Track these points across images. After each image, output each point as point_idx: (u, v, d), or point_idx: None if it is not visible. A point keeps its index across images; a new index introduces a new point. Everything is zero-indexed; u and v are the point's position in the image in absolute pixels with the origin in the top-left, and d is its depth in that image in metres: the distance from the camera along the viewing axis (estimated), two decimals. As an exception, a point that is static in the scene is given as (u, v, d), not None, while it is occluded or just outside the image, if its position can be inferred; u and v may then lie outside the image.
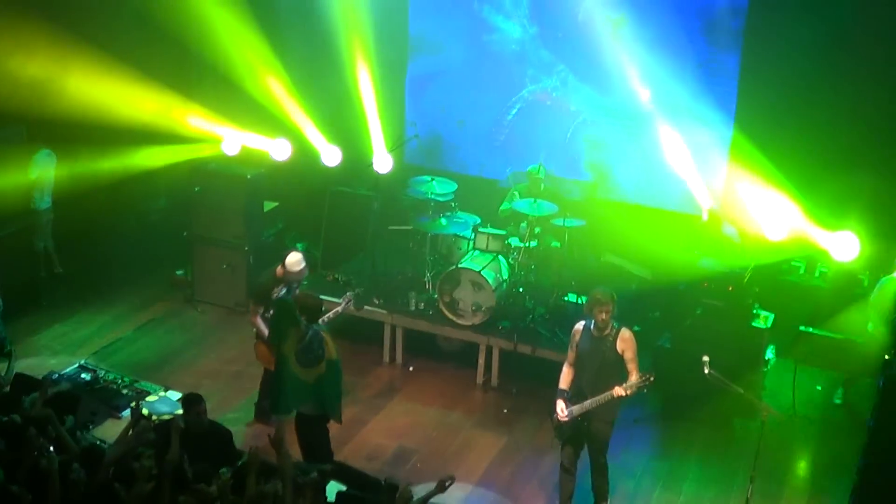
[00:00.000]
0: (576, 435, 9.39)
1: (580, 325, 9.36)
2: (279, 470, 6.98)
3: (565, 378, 9.41)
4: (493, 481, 10.37)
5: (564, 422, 9.27)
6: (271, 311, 10.30)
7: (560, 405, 9.26)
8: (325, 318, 10.34)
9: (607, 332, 9.09)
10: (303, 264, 10.53)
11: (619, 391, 8.93)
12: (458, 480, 8.11)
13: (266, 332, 10.34)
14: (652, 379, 8.88)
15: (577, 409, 9.17)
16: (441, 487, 7.25)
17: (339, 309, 10.76)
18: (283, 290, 10.50)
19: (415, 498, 7.25)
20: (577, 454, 9.51)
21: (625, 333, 9.13)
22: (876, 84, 12.02)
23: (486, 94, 14.49)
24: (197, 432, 8.47)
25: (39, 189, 13.05)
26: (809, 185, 12.24)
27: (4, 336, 11.94)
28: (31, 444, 7.23)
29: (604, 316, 9.02)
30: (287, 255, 10.49)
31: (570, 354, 9.40)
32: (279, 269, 10.52)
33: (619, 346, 9.08)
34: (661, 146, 13.45)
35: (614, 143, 13.96)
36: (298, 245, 14.78)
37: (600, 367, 9.11)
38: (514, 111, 14.38)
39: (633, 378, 9.02)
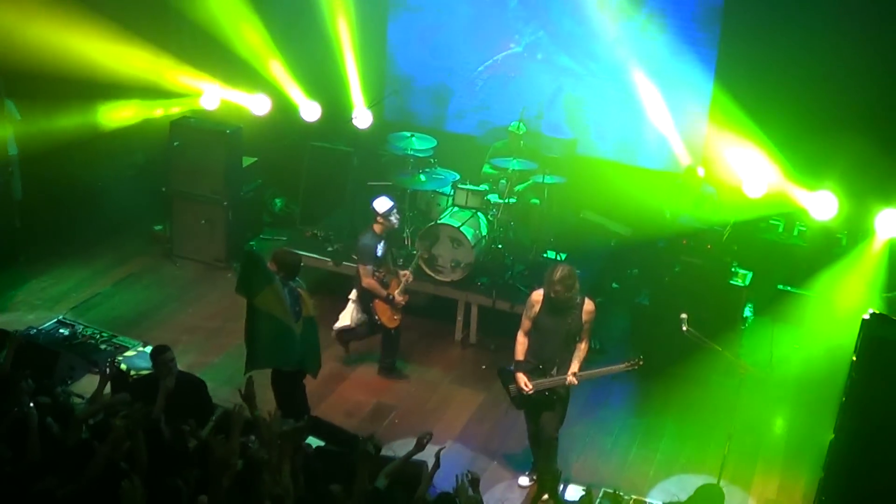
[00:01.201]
0: (536, 406, 9.18)
1: (539, 295, 8.98)
2: (261, 426, 6.95)
3: (521, 348, 9.07)
4: (472, 437, 10.40)
5: (525, 393, 9.06)
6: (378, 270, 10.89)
7: (523, 379, 8.99)
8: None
9: (571, 302, 8.83)
10: (390, 202, 10.87)
11: (571, 379, 8.85)
12: (437, 436, 8.12)
13: (384, 291, 10.88)
14: (641, 363, 8.84)
15: (546, 382, 8.97)
16: (419, 445, 7.25)
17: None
18: (384, 245, 10.89)
19: (395, 457, 7.26)
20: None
21: (589, 305, 8.89)
22: (857, 44, 11.97)
23: (466, 50, 14.39)
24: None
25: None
26: (789, 143, 12.28)
27: None
28: (13, 399, 7.19)
29: (564, 294, 8.74)
30: (374, 205, 10.84)
31: (526, 324, 9.06)
32: (376, 226, 10.82)
33: (585, 317, 8.87)
34: (641, 103, 13.44)
35: (594, 101, 13.93)
36: (277, 201, 14.75)
37: (566, 337, 8.90)
38: (495, 68, 14.30)
39: (583, 346, 8.94)
